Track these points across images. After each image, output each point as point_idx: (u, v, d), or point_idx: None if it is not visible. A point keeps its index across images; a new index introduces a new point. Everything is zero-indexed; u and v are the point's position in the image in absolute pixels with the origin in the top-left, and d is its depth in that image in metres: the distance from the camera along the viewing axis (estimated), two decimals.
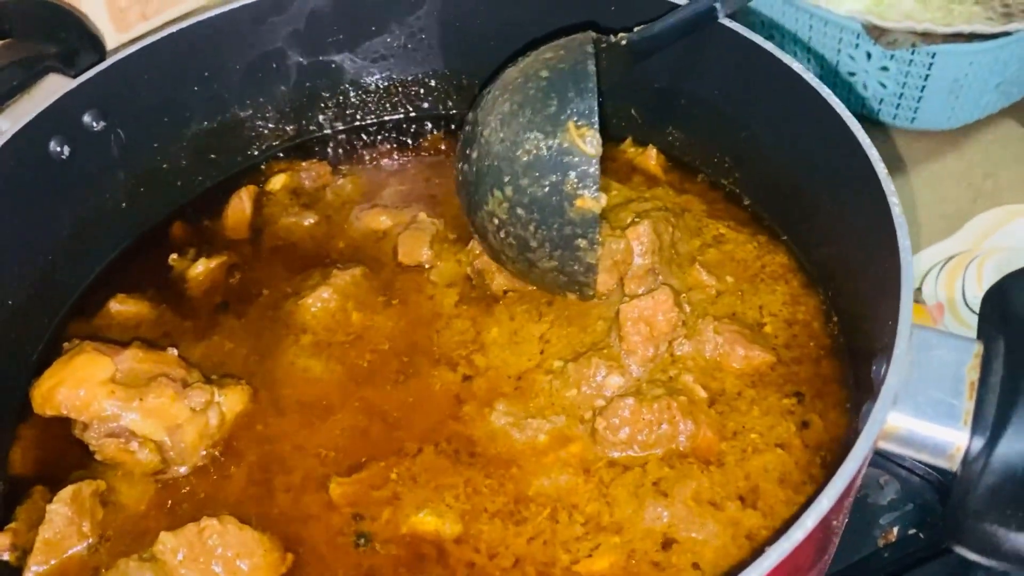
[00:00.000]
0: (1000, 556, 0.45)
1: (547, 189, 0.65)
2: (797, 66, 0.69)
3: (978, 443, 0.48)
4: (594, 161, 0.65)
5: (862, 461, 0.46)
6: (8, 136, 0.67)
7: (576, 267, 0.67)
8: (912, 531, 0.75)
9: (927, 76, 1.10)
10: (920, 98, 1.13)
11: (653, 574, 0.58)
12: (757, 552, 0.44)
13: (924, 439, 0.49)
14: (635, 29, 0.72)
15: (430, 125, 0.90)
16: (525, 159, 0.66)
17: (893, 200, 0.56)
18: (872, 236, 0.59)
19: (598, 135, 0.65)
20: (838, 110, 0.64)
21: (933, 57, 1.08)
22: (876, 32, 1.09)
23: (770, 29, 1.19)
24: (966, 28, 1.06)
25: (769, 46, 0.71)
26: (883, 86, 1.14)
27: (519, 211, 0.66)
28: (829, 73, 1.17)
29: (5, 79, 0.71)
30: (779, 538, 0.44)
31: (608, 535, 0.60)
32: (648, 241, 0.70)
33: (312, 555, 0.60)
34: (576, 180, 0.65)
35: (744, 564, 0.43)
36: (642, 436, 0.63)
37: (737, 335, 0.68)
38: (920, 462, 0.51)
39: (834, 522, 0.49)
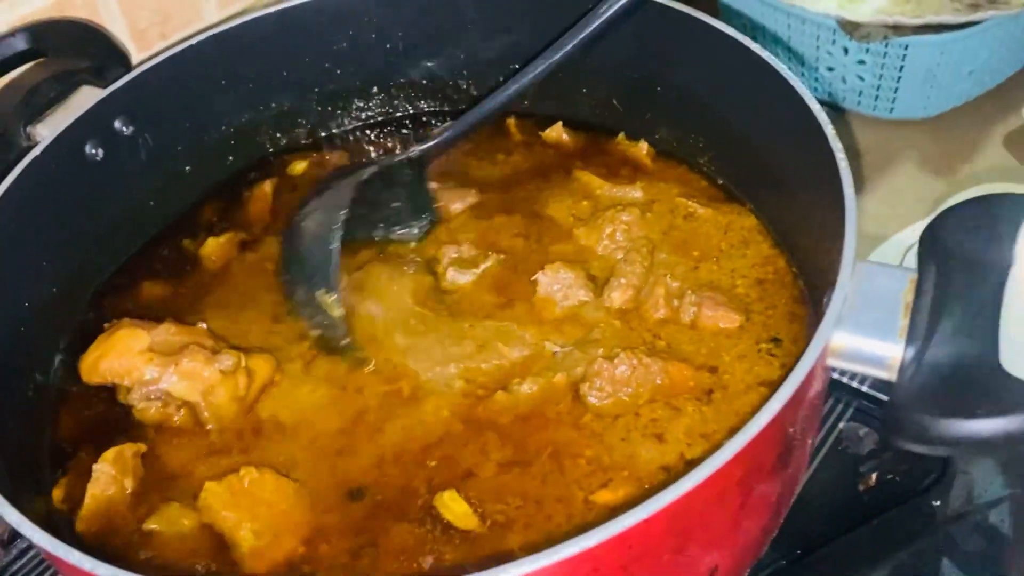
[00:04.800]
0: (927, 440, 0.52)
1: None
2: (758, 49, 0.76)
3: (911, 352, 0.55)
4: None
5: (808, 371, 0.54)
6: (48, 141, 0.76)
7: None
8: (890, 476, 0.83)
9: (902, 67, 1.17)
10: (897, 88, 1.20)
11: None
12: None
13: (866, 353, 0.57)
14: None
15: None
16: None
17: (840, 156, 0.64)
18: (824, 191, 0.66)
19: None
20: (791, 82, 0.72)
21: (906, 49, 1.15)
22: (850, 27, 1.16)
23: (752, 31, 1.27)
24: (935, 19, 1.13)
25: (732, 31, 0.79)
26: (861, 79, 1.21)
27: None
28: (811, 69, 1.25)
29: (44, 92, 0.79)
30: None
31: (616, 471, 0.67)
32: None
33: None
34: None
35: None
36: (626, 390, 0.71)
37: (710, 299, 0.76)
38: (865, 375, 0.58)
39: (790, 428, 0.57)
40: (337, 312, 0.77)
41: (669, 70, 0.87)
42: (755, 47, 0.76)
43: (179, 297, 0.84)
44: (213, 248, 0.86)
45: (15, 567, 0.85)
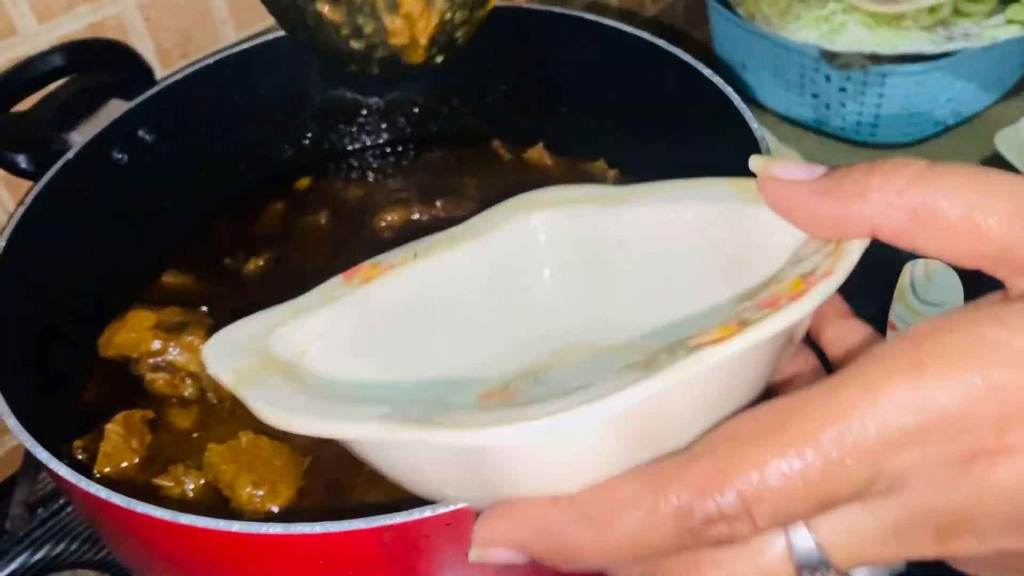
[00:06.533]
0: None
1: None
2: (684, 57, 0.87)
3: None
4: None
5: None
6: (79, 147, 0.88)
7: None
8: None
9: (881, 95, 1.27)
10: (877, 115, 1.30)
11: None
12: None
13: None
14: None
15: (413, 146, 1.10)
16: None
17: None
18: None
19: None
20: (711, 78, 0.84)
21: (884, 77, 1.26)
22: (829, 56, 1.27)
23: (743, 59, 1.38)
24: (910, 50, 1.24)
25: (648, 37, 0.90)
26: (843, 105, 1.32)
27: None
28: (797, 96, 1.35)
29: (77, 104, 0.91)
30: None
31: None
32: None
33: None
34: None
35: None
36: None
37: None
38: None
39: None
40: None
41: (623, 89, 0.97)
42: (683, 55, 0.87)
43: (197, 289, 0.95)
44: (253, 268, 0.96)
45: (37, 532, 0.97)
